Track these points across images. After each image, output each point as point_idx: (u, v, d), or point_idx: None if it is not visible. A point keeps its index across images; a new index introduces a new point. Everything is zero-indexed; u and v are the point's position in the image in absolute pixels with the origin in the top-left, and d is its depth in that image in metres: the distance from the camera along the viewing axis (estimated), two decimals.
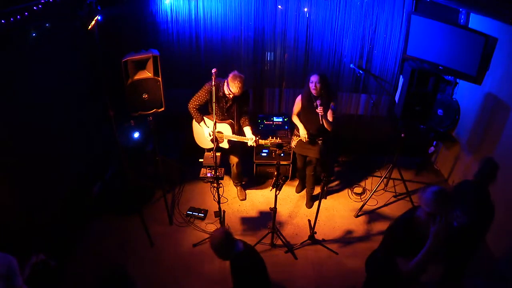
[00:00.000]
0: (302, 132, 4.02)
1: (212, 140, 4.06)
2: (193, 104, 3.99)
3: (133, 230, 4.04)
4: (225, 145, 4.11)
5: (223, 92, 3.86)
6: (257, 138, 3.90)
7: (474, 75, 3.96)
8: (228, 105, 3.98)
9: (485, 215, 2.94)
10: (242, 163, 4.49)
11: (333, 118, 3.90)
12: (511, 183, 3.58)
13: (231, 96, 3.82)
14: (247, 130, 4.04)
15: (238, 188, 4.73)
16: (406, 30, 4.46)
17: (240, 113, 4.06)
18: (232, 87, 3.73)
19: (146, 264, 3.73)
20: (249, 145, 3.97)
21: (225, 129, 4.04)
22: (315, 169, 4.33)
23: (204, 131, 4.09)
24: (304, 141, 4.03)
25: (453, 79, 4.69)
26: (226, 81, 3.77)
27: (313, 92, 3.79)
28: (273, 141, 3.70)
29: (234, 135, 4.04)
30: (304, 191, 4.74)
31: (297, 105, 4.10)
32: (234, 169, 4.50)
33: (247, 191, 4.79)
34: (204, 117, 4.09)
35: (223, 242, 2.47)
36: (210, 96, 3.85)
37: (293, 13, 4.55)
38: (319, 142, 4.08)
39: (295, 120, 4.14)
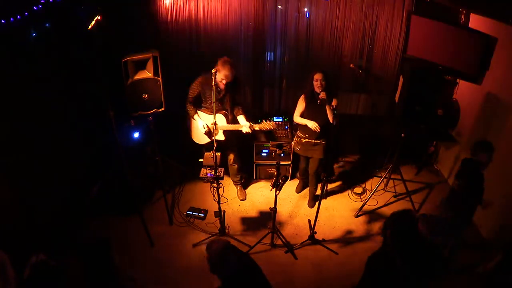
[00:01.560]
0: (311, 124, 3.97)
1: (206, 133, 4.13)
2: (187, 99, 4.05)
3: (133, 230, 4.04)
4: (220, 136, 4.11)
5: (216, 82, 3.86)
6: (251, 124, 3.94)
7: (474, 75, 3.95)
8: (221, 95, 4.00)
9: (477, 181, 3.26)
10: (240, 159, 4.51)
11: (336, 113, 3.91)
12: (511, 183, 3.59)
13: (223, 82, 3.81)
14: (241, 118, 4.05)
15: (238, 187, 4.72)
16: (406, 30, 4.45)
17: (233, 102, 4.07)
18: (221, 71, 3.74)
19: (146, 264, 3.73)
20: (244, 132, 3.99)
21: (219, 119, 4.05)
22: (317, 169, 4.33)
23: (198, 124, 4.10)
24: (318, 130, 3.98)
25: (453, 79, 4.69)
26: (216, 69, 3.76)
27: (317, 89, 3.83)
28: (267, 124, 3.84)
29: (228, 125, 4.07)
30: (304, 191, 4.75)
31: (300, 104, 4.09)
32: (232, 165, 4.50)
33: (247, 191, 4.78)
34: (198, 111, 4.12)
35: (218, 252, 2.39)
36: (202, 89, 3.98)
37: (293, 13, 4.55)
38: (323, 142, 4.09)
39: (299, 119, 4.12)
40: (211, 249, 2.44)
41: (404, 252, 2.51)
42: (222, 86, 3.89)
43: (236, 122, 4.12)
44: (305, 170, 4.56)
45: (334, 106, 3.81)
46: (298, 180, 4.81)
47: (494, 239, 3.88)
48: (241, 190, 4.72)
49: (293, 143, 4.36)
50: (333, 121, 3.87)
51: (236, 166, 4.53)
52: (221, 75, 3.77)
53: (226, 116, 4.08)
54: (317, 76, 3.80)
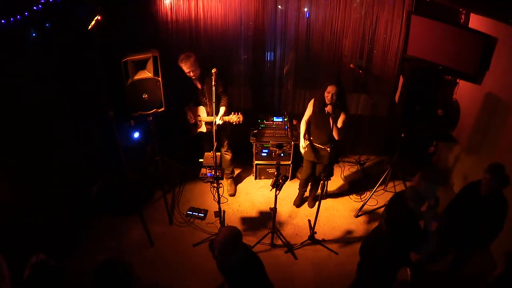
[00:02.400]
0: (301, 146, 4.05)
1: (191, 127, 4.36)
2: None
3: (133, 230, 4.05)
4: (203, 129, 4.31)
5: (192, 80, 4.09)
6: (221, 115, 4.04)
7: (474, 75, 3.94)
8: (200, 88, 4.13)
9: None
10: (233, 149, 4.55)
11: (343, 126, 3.79)
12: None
13: (191, 75, 3.96)
14: (222, 109, 4.10)
15: (229, 181, 4.71)
16: (406, 30, 4.45)
17: (217, 97, 4.03)
18: (183, 68, 3.90)
19: (146, 264, 3.73)
20: (215, 123, 3.95)
21: (201, 111, 4.24)
22: (320, 174, 4.24)
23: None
24: (303, 152, 4.07)
25: (453, 79, 4.68)
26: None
27: (327, 101, 3.68)
28: (235, 116, 3.92)
29: (206, 117, 4.23)
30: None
31: (309, 109, 4.00)
32: (225, 153, 4.51)
33: (247, 191, 4.79)
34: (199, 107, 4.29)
35: (228, 239, 2.36)
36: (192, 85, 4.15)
37: (293, 13, 4.55)
38: (328, 149, 4.02)
39: (302, 128, 4.06)
40: (220, 236, 2.39)
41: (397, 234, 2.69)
42: (194, 80, 4.08)
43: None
44: (306, 182, 4.50)
45: (339, 122, 3.75)
46: (298, 192, 4.66)
47: (494, 243, 3.85)
48: (231, 184, 4.72)
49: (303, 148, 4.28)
50: (337, 136, 3.75)
51: (229, 156, 4.53)
52: (185, 71, 3.94)
53: (206, 108, 4.23)
54: (330, 89, 3.63)
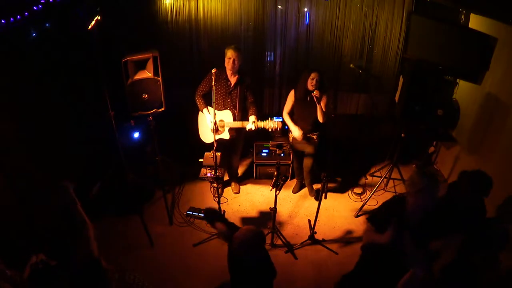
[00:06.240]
0: (297, 133, 4.08)
1: (213, 130, 4.09)
2: (197, 91, 4.06)
3: (133, 230, 4.04)
4: (225, 135, 4.07)
5: (226, 75, 3.95)
6: (254, 120, 3.88)
7: (474, 75, 3.96)
8: (231, 89, 3.98)
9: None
10: (240, 162, 4.54)
11: (326, 109, 3.99)
12: (511, 183, 3.58)
13: (229, 67, 3.84)
14: (251, 118, 3.97)
15: (233, 181, 4.78)
16: (406, 30, 4.46)
17: (244, 100, 4.05)
18: (227, 55, 3.80)
19: (146, 264, 3.73)
20: (247, 128, 3.93)
21: (226, 116, 4.02)
22: (312, 165, 4.36)
23: (206, 119, 4.06)
24: (299, 140, 4.12)
25: (453, 79, 4.69)
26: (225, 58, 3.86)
27: (311, 87, 3.88)
28: (272, 122, 3.81)
29: (233, 122, 4.00)
30: (302, 191, 4.76)
31: (290, 100, 4.14)
32: (234, 166, 4.53)
33: (247, 191, 4.79)
34: (208, 107, 4.08)
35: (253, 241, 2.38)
36: (210, 85, 3.90)
37: (293, 13, 4.55)
38: (314, 137, 4.16)
39: (287, 119, 4.18)
40: (244, 234, 2.40)
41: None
42: (231, 79, 3.95)
43: (245, 120, 4.04)
44: (298, 169, 4.60)
45: (323, 105, 3.92)
46: (296, 180, 4.80)
47: None
48: (235, 184, 4.76)
49: (290, 137, 4.36)
50: (322, 119, 3.95)
51: (234, 165, 4.56)
52: (226, 60, 3.83)
53: (233, 112, 4.02)
54: (314, 75, 3.85)
